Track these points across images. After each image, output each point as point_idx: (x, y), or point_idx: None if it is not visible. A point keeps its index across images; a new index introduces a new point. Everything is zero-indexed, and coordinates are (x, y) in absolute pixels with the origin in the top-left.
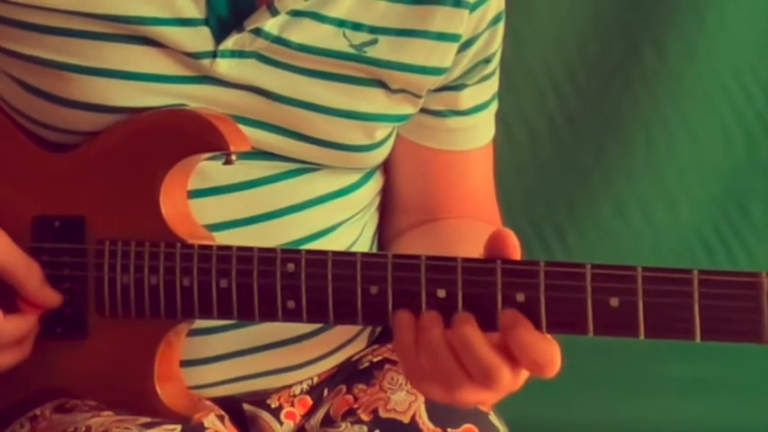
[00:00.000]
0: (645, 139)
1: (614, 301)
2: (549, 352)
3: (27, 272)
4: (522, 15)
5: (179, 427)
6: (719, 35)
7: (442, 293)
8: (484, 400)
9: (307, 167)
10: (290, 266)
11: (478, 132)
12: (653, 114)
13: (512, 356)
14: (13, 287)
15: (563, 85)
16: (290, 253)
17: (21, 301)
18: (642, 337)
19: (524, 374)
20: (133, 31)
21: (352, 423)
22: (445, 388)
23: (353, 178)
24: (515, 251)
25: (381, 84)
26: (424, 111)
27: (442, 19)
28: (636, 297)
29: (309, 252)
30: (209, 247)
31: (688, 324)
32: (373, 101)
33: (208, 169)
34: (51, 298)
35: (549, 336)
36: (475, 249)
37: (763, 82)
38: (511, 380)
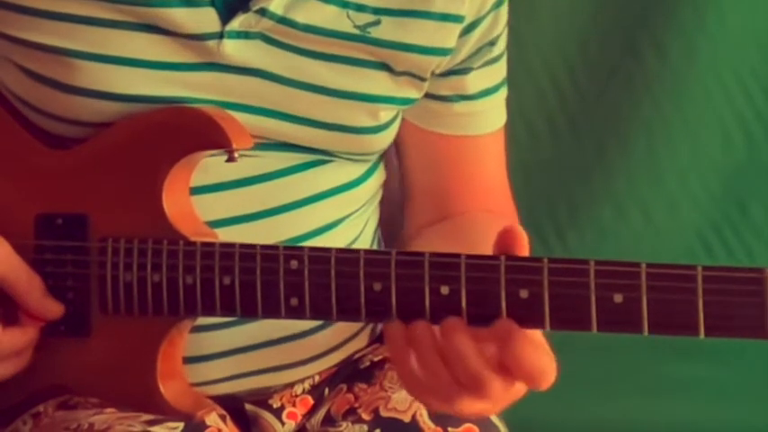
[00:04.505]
0: (645, 139)
1: (618, 298)
2: (543, 364)
3: (28, 284)
4: (522, 15)
5: (182, 424)
6: (720, 35)
7: (445, 290)
8: (483, 410)
9: (311, 161)
10: (294, 263)
11: (488, 117)
12: (653, 114)
13: (505, 367)
14: (15, 299)
15: (563, 85)
16: (293, 250)
17: (21, 313)
18: (646, 333)
19: (520, 386)
20: (139, 17)
21: (353, 422)
22: (442, 399)
23: (357, 172)
24: (524, 249)
25: (385, 66)
26: (431, 96)
27: (443, 0)
28: (639, 293)
29: (312, 249)
30: (211, 245)
31: (692, 320)
32: (377, 83)
33: (211, 165)
34: (52, 310)
35: (545, 347)
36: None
37: (763, 82)
38: (503, 390)
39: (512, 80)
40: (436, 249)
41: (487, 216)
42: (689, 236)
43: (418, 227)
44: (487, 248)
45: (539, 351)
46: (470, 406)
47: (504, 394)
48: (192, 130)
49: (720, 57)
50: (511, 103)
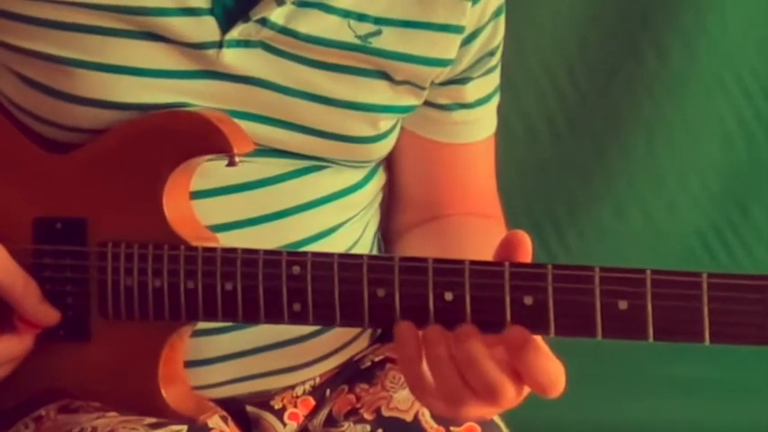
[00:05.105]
0: (645, 139)
1: (623, 305)
2: (554, 373)
3: (24, 289)
4: (522, 15)
5: (185, 427)
6: (720, 35)
7: (449, 296)
8: (486, 414)
9: (311, 166)
10: (296, 269)
11: (482, 125)
12: (653, 114)
13: (517, 373)
14: (10, 305)
15: (563, 84)
16: (296, 255)
17: (17, 320)
18: (651, 340)
19: (528, 389)
20: (139, 25)
21: (355, 422)
22: (449, 403)
23: (357, 177)
24: (528, 255)
25: (385, 75)
26: (429, 104)
27: (444, 10)
28: (644, 300)
29: (315, 254)
30: (213, 250)
31: (697, 327)
32: (377, 92)
33: (212, 169)
34: (49, 317)
35: (554, 357)
36: (480, 247)
37: (763, 82)
38: (515, 396)
39: (511, 80)
40: (426, 249)
41: (477, 219)
42: (689, 236)
43: (406, 226)
44: (477, 250)
45: (551, 360)
46: (477, 411)
47: (514, 399)
48: (192, 135)
49: (720, 57)
50: (511, 103)
